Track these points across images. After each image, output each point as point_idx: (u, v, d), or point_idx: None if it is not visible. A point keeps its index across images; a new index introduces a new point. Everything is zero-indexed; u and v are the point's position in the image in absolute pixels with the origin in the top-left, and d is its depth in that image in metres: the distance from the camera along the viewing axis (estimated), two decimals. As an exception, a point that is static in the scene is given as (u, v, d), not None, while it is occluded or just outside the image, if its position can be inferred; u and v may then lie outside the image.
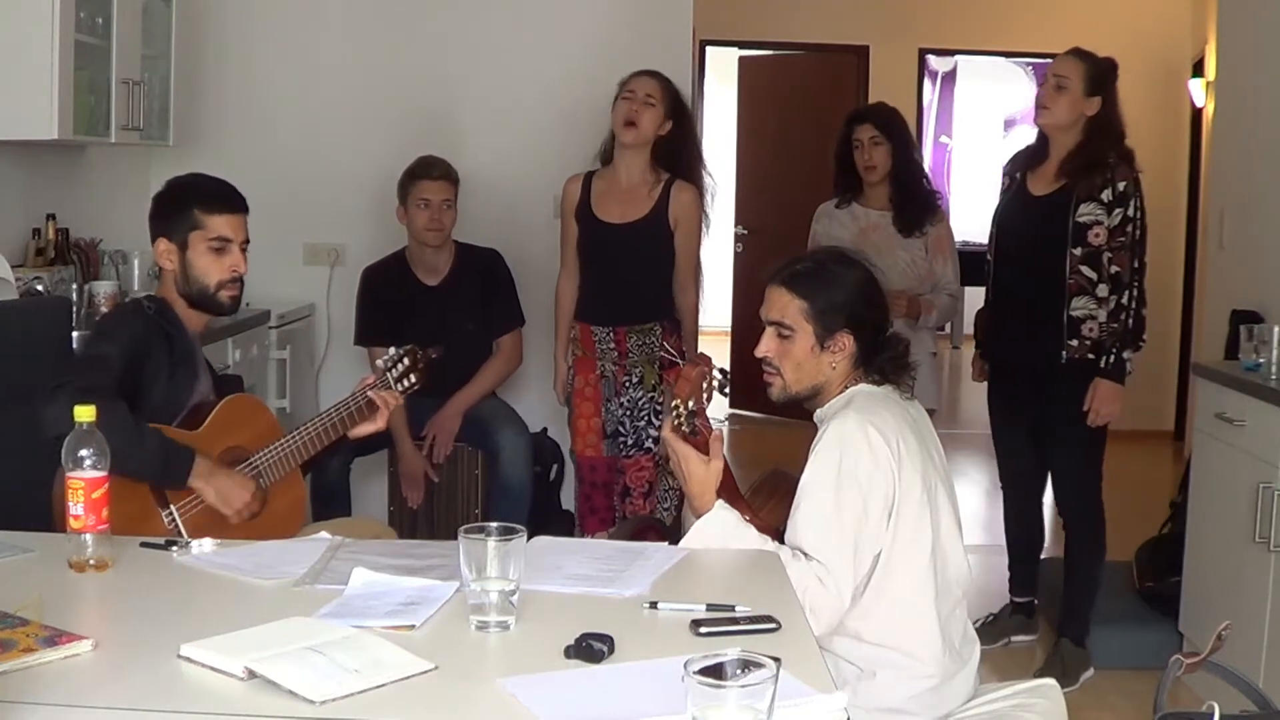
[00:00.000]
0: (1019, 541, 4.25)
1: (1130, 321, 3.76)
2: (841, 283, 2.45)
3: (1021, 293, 3.90)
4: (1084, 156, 3.79)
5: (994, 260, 4.04)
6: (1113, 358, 3.77)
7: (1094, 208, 3.75)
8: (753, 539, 2.32)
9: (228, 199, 2.79)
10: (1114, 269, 3.75)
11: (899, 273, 4.11)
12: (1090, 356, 3.80)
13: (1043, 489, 4.16)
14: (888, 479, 2.31)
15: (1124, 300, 3.75)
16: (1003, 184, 4.08)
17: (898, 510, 2.32)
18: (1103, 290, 3.77)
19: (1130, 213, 3.74)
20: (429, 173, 4.28)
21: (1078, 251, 3.77)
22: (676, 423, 2.39)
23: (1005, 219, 4.00)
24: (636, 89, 3.96)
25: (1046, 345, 3.83)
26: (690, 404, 2.39)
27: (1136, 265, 3.76)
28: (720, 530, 2.32)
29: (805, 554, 2.27)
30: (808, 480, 2.33)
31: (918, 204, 4.25)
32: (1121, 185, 3.75)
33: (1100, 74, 3.84)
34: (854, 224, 4.27)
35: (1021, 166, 3.99)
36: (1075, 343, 3.80)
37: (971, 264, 4.66)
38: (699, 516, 2.35)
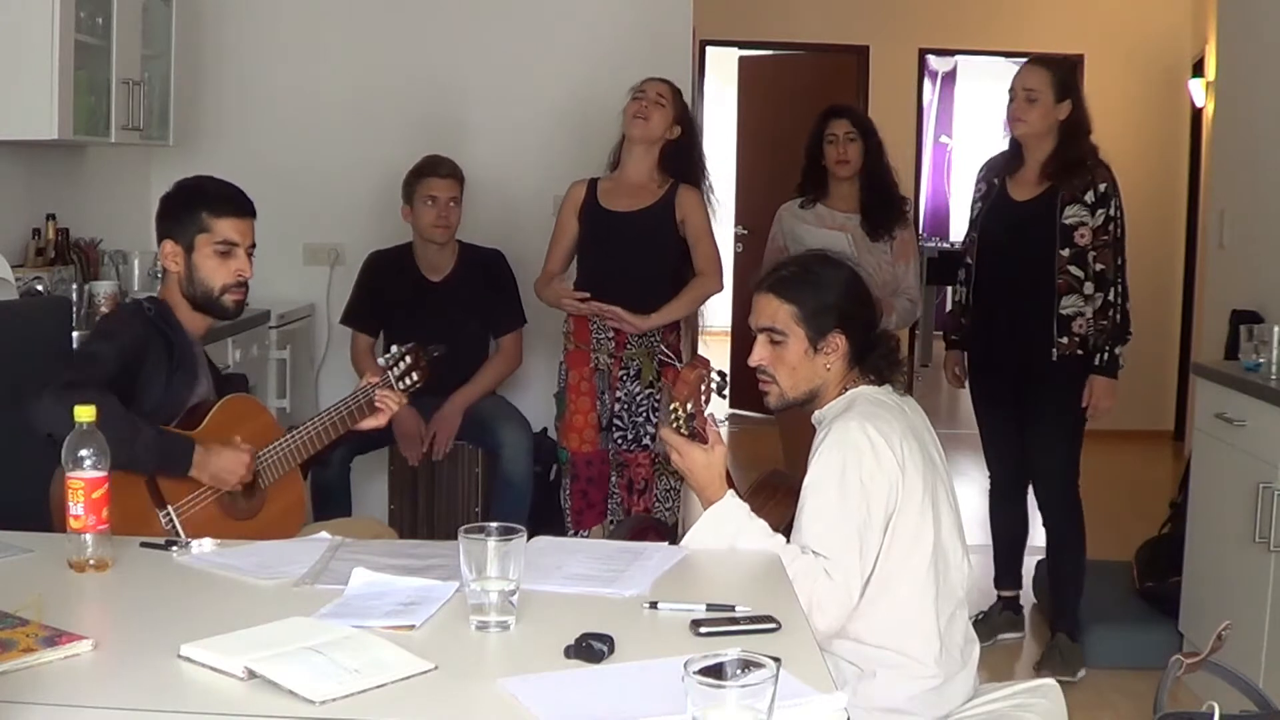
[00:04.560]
0: (1006, 536, 4.30)
1: (1119, 317, 3.87)
2: (829, 284, 2.46)
3: (1007, 294, 3.97)
4: (1062, 159, 3.89)
5: (976, 264, 4.07)
6: (1106, 354, 3.87)
7: (1078, 209, 3.85)
8: (760, 531, 2.31)
9: (235, 203, 2.79)
10: (1099, 267, 3.86)
11: (864, 276, 4.11)
12: (1079, 353, 3.89)
13: (1027, 484, 4.20)
14: (890, 483, 2.31)
15: (1110, 297, 3.86)
16: (978, 190, 4.14)
17: (899, 513, 2.32)
18: (1089, 288, 3.87)
19: (1112, 212, 3.86)
20: (436, 170, 4.30)
21: (1065, 252, 3.86)
22: (675, 425, 2.38)
23: (988, 224, 4.05)
24: (647, 89, 4.03)
25: (1036, 343, 3.90)
26: (689, 406, 2.38)
27: (1119, 262, 3.87)
28: (731, 519, 2.31)
29: (813, 551, 2.27)
30: (811, 480, 2.33)
31: (888, 208, 4.27)
32: (1103, 186, 3.86)
33: (1065, 78, 3.96)
34: (819, 224, 4.29)
35: (999, 173, 4.06)
36: (1065, 340, 3.88)
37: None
38: (708, 506, 2.34)
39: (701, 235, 4.06)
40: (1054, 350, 3.88)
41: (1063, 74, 3.95)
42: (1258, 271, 4.31)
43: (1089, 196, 3.85)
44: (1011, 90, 3.97)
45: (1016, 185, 4.00)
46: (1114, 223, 3.86)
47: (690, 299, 4.10)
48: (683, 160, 4.08)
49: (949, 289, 4.50)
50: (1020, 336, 3.95)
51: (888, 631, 2.32)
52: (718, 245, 4.14)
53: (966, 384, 4.23)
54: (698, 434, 2.37)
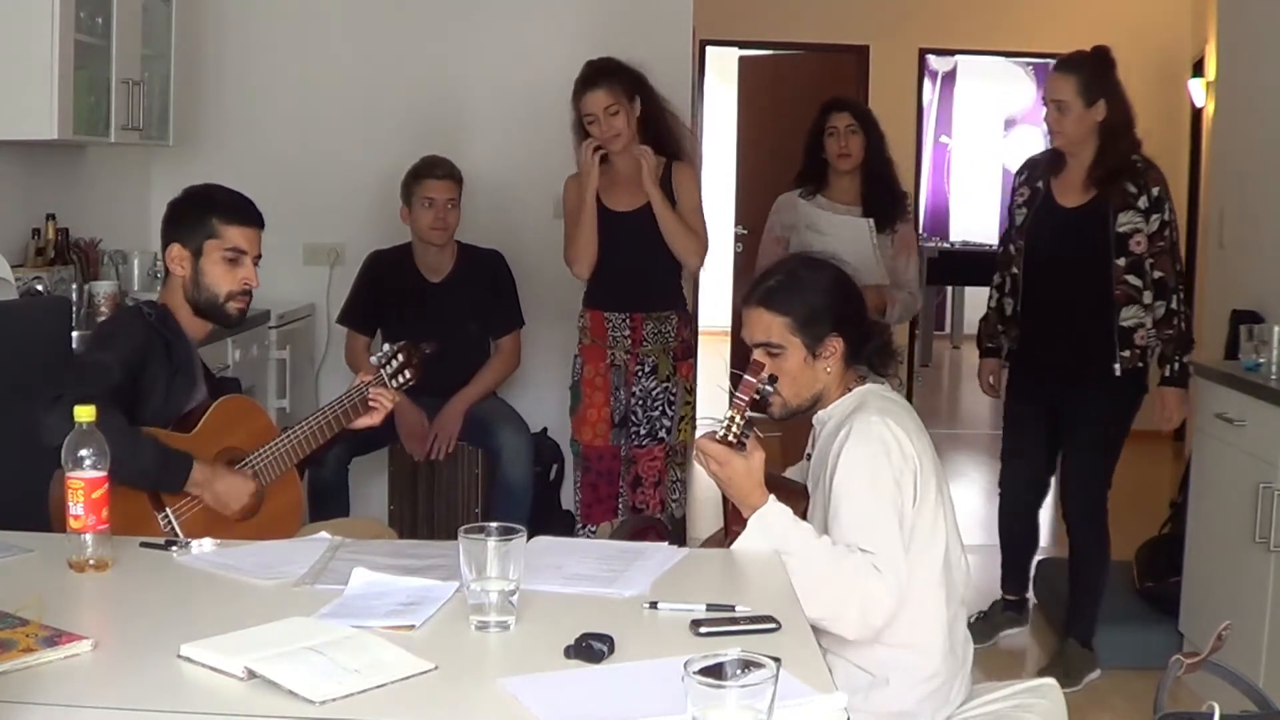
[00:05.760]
0: (1018, 543, 4.25)
1: (1183, 325, 3.74)
2: (817, 287, 2.43)
3: (1059, 303, 3.83)
4: (1109, 164, 3.73)
5: (1024, 273, 3.90)
6: (1177, 365, 3.76)
7: (1132, 215, 3.71)
8: (807, 532, 2.25)
9: (245, 212, 2.82)
10: (1157, 274, 3.73)
11: (850, 270, 4.11)
12: (1140, 365, 3.78)
13: (1045, 493, 4.15)
14: (913, 476, 2.31)
15: (1174, 305, 3.73)
16: (1021, 194, 3.97)
17: (919, 509, 2.31)
18: (1148, 297, 3.75)
19: (1166, 216, 3.72)
20: (433, 172, 4.30)
21: (1121, 261, 3.72)
22: (722, 435, 2.24)
23: (1036, 232, 3.88)
24: (594, 110, 3.92)
25: (1091, 355, 3.78)
26: (747, 413, 2.26)
27: (1178, 268, 3.75)
28: (777, 523, 2.24)
29: (859, 548, 2.23)
30: (842, 481, 2.29)
31: (889, 201, 4.25)
32: (1155, 190, 3.72)
33: (1095, 78, 3.74)
34: (833, 211, 4.27)
35: (1042, 175, 3.90)
36: (1128, 353, 3.76)
37: (970, 263, 4.65)
38: (751, 513, 2.26)
39: (688, 212, 4.01)
40: (1117, 365, 3.75)
41: (1090, 75, 3.73)
42: (1258, 271, 4.31)
43: (1142, 202, 3.70)
44: (1044, 99, 3.80)
45: (1062, 189, 3.83)
46: (1169, 227, 3.72)
47: (682, 229, 3.99)
48: (658, 130, 4.02)
49: (949, 289, 4.49)
50: (1072, 347, 3.82)
51: (906, 630, 2.30)
52: (704, 220, 4.07)
53: (1001, 393, 4.12)
54: (740, 442, 2.27)
